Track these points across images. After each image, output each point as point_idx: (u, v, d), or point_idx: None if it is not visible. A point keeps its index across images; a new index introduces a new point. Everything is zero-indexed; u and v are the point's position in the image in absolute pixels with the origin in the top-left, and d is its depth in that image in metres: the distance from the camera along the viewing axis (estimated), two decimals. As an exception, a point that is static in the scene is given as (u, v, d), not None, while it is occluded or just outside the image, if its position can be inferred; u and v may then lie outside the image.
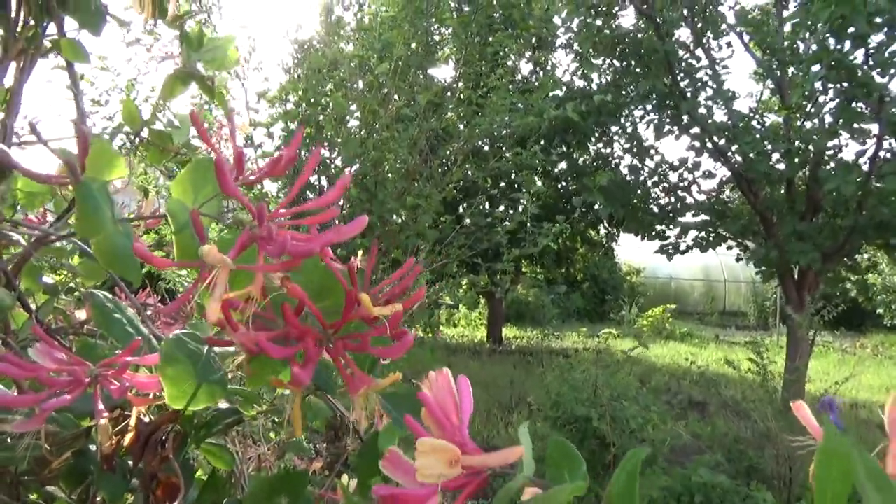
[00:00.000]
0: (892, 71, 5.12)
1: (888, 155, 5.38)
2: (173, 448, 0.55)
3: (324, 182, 4.73)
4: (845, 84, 5.16)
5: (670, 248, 7.03)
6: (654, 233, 7.05)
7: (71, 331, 1.16)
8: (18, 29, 0.88)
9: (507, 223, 5.16)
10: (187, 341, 0.55)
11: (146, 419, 0.56)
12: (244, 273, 0.48)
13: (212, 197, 0.48)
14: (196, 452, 0.79)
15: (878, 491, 0.42)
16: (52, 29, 0.93)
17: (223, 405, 0.73)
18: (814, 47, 5.39)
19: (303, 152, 4.56)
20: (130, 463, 0.56)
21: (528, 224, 4.86)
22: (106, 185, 0.48)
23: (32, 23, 0.86)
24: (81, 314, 1.18)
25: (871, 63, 5.05)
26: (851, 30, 4.89)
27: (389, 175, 4.57)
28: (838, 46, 5.07)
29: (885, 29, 5.00)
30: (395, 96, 4.64)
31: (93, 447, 0.60)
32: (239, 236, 0.43)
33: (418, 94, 4.55)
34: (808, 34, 5.62)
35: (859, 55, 5.18)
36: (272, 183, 5.06)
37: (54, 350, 0.57)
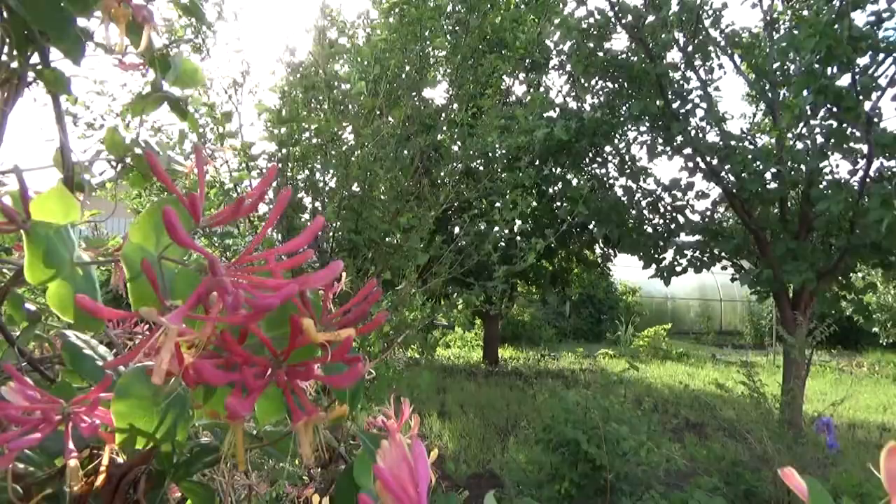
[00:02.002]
0: (878, 93, 5.19)
1: (877, 175, 5.43)
2: (147, 489, 0.54)
3: (318, 205, 4.73)
4: (833, 108, 5.23)
5: (665, 271, 7.04)
6: (649, 258, 7.05)
7: (56, 360, 1.14)
8: (2, 58, 0.88)
9: (496, 229, 5.17)
10: (143, 375, 0.52)
11: (119, 459, 0.55)
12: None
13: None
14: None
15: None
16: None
17: (204, 440, 0.71)
18: (802, 69, 5.46)
19: (294, 174, 4.57)
20: (102, 505, 0.54)
21: (519, 238, 4.86)
22: (60, 228, 0.47)
23: (16, 52, 0.85)
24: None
25: (857, 88, 5.13)
26: (840, 59, 4.97)
27: (383, 196, 4.57)
28: (826, 71, 5.14)
29: (869, 52, 5.08)
30: (389, 118, 4.66)
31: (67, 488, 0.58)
32: (198, 281, 0.42)
33: (411, 115, 4.57)
34: (796, 59, 5.71)
35: (846, 79, 5.27)
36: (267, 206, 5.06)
37: (26, 387, 0.56)
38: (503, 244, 5.30)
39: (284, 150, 4.24)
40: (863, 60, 5.21)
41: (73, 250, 0.48)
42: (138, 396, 0.48)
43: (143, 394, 0.48)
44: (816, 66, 4.99)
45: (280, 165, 4.33)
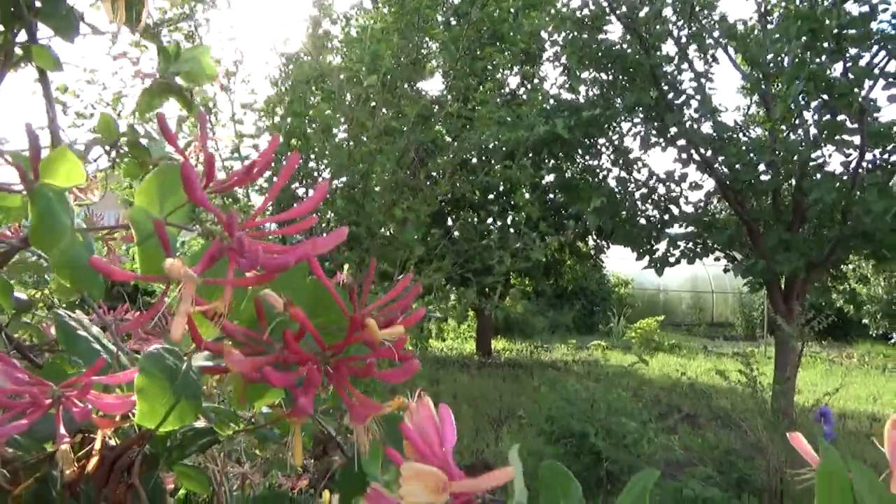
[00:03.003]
0: (870, 82, 5.20)
1: (870, 165, 5.45)
2: (141, 472, 0.52)
3: (311, 193, 4.71)
4: (825, 97, 5.23)
5: (658, 262, 7.05)
6: (642, 249, 7.06)
7: (45, 348, 1.12)
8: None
9: (496, 239, 5.16)
10: (165, 356, 0.52)
11: (112, 442, 0.53)
12: (220, 286, 0.46)
13: (180, 206, 0.45)
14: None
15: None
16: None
17: (198, 424, 0.70)
18: (795, 60, 5.47)
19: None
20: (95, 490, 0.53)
21: (522, 238, 4.85)
22: (64, 192, 0.46)
23: (2, 29, 0.83)
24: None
25: (849, 76, 5.13)
26: (826, 45, 4.98)
27: (377, 188, 4.55)
28: (816, 60, 5.14)
29: (859, 41, 5.09)
30: (384, 109, 4.63)
31: (57, 473, 0.57)
32: (208, 248, 0.40)
33: (406, 107, 4.54)
34: (787, 49, 5.71)
35: (838, 68, 5.27)
36: (259, 196, 5.03)
37: (15, 371, 0.54)
38: (499, 241, 5.29)
39: (282, 139, 4.20)
40: (856, 51, 5.22)
41: (73, 216, 0.46)
42: (157, 376, 0.47)
43: (159, 374, 0.47)
44: (807, 54, 4.99)
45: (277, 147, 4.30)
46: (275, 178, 4.56)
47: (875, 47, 5.19)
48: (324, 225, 4.49)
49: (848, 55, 5.18)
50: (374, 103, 4.53)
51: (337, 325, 0.49)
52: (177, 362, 0.52)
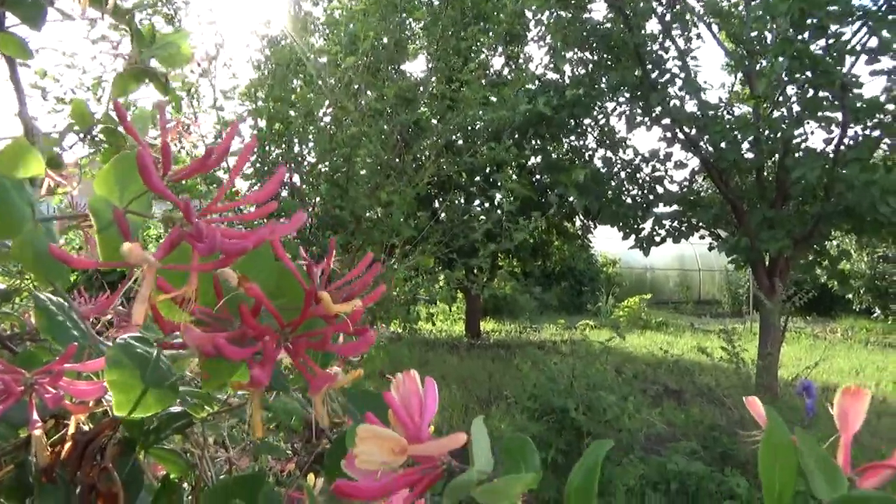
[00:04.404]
0: (852, 59, 5.22)
1: (852, 142, 5.49)
2: (113, 456, 0.53)
3: (295, 179, 4.68)
4: (809, 74, 5.25)
5: (644, 242, 7.09)
6: (628, 228, 7.10)
7: (27, 337, 1.12)
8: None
9: (483, 219, 5.17)
10: (135, 345, 0.53)
11: (86, 428, 0.54)
12: (183, 273, 0.47)
13: (141, 193, 0.46)
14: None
15: (827, 482, 0.42)
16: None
17: (173, 408, 0.71)
18: (779, 38, 5.47)
19: (273, 149, 4.50)
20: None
21: (504, 220, 4.87)
22: (22, 182, 0.46)
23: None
24: (36, 319, 1.15)
25: (832, 53, 5.15)
26: (810, 21, 4.98)
27: (362, 171, 4.54)
28: (800, 37, 5.15)
29: (842, 18, 5.10)
30: (366, 91, 4.60)
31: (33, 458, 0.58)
32: (167, 234, 0.41)
33: (387, 88, 4.52)
34: (772, 25, 5.71)
35: (821, 44, 5.29)
36: (244, 181, 5.00)
37: (-12, 358, 0.55)
38: (483, 220, 5.30)
39: (262, 123, 4.17)
40: (837, 27, 5.23)
41: (34, 206, 0.47)
42: (126, 366, 0.48)
43: (129, 363, 0.48)
44: (791, 31, 5.00)
45: (257, 136, 4.26)
46: (265, 167, 4.53)
47: (858, 23, 5.22)
48: (310, 209, 4.47)
49: (829, 32, 5.19)
50: (356, 86, 4.50)
51: (301, 305, 0.51)
52: (148, 350, 0.53)
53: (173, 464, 0.69)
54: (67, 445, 0.51)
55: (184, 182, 0.45)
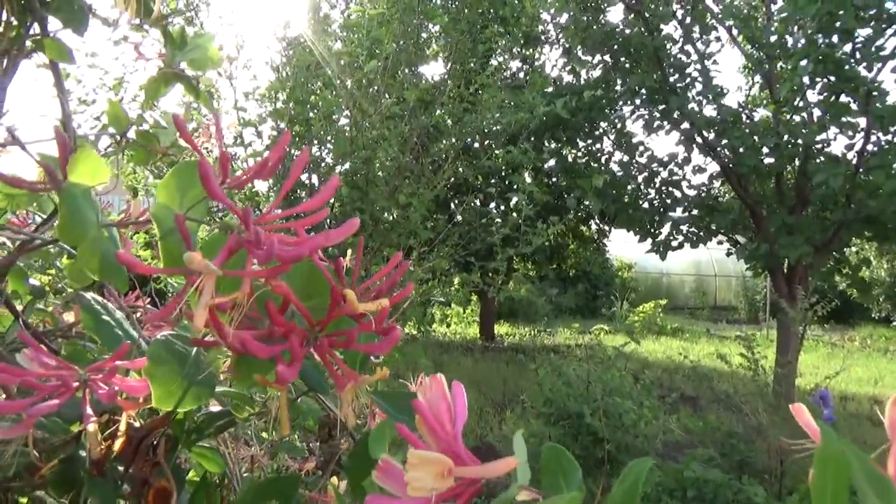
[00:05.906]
0: (879, 65, 5.15)
1: (875, 148, 5.42)
2: (164, 452, 0.55)
3: (314, 180, 4.71)
4: (832, 78, 5.19)
5: (661, 246, 7.05)
6: (645, 233, 7.06)
7: (59, 333, 1.15)
8: (0, 29, 0.87)
9: (499, 222, 5.17)
10: (175, 343, 0.54)
11: (136, 424, 0.56)
12: (234, 277, 0.48)
13: (198, 201, 0.47)
14: (188, 454, 0.78)
15: (877, 496, 0.41)
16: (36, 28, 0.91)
17: (215, 408, 0.72)
18: (802, 41, 5.42)
19: (292, 150, 4.54)
20: (121, 468, 0.55)
21: (522, 224, 4.86)
22: (89, 190, 0.48)
23: (15, 22, 0.84)
24: (69, 317, 1.17)
25: (857, 57, 5.09)
26: (838, 24, 4.92)
27: (380, 173, 4.55)
28: (826, 41, 5.09)
29: (872, 23, 5.03)
30: (385, 94, 4.62)
31: (82, 453, 0.59)
32: (226, 241, 0.42)
33: (407, 92, 4.53)
34: (796, 28, 5.65)
35: (846, 49, 5.22)
36: (262, 182, 5.03)
37: (42, 354, 0.56)
38: (500, 223, 5.30)
39: (283, 125, 4.20)
40: (864, 32, 5.16)
41: (98, 212, 0.48)
42: (167, 361, 0.49)
43: (170, 359, 0.49)
44: (818, 35, 4.94)
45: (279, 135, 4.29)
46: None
47: (888, 30, 5.13)
48: (330, 211, 4.49)
49: (857, 37, 5.12)
50: (375, 88, 4.52)
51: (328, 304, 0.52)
52: (186, 347, 0.55)
53: (213, 461, 0.70)
54: (121, 440, 0.53)
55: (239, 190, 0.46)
